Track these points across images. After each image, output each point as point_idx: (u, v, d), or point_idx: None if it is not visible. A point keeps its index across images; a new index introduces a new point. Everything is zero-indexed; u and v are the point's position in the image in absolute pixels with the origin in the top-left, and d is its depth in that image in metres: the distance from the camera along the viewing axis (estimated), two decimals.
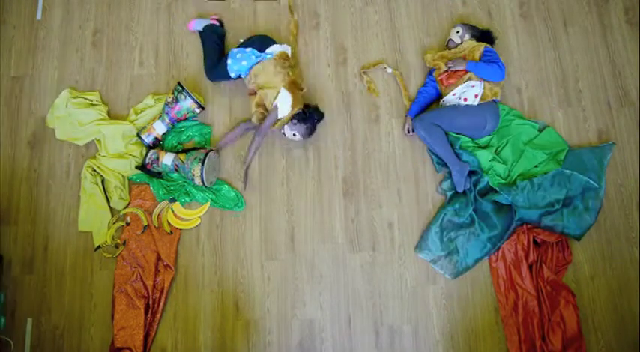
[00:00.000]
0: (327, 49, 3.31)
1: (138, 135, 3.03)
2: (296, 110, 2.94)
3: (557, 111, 3.16)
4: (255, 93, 3.02)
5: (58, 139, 3.14)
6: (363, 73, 3.22)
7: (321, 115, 3.02)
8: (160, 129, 3.02)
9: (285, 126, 2.97)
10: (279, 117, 2.93)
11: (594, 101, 3.17)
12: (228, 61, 3.02)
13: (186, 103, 2.99)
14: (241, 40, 3.17)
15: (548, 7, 3.35)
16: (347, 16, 3.36)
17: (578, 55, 3.25)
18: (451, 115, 2.95)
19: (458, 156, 2.98)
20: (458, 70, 2.97)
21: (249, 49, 3.02)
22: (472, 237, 2.91)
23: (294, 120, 2.95)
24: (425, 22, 3.34)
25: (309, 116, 2.96)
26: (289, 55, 3.08)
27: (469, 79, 2.95)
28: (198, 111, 3.05)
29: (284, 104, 2.91)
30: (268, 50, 3.04)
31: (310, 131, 3.00)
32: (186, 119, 3.09)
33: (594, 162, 2.96)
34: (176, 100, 2.99)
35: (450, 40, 3.12)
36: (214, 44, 3.17)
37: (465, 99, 2.96)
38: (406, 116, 3.11)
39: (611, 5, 3.33)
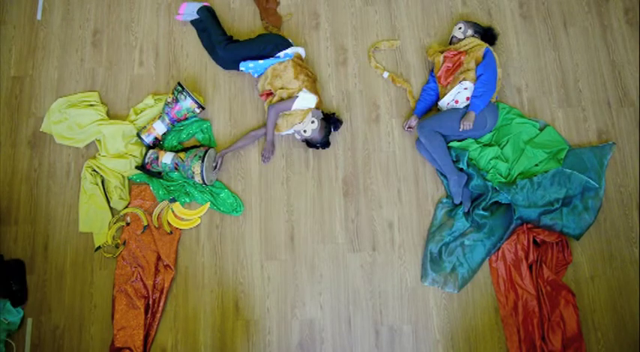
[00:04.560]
0: (327, 49, 3.31)
1: (138, 135, 3.03)
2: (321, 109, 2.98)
3: (557, 111, 3.16)
4: (270, 94, 3.03)
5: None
6: (374, 50, 3.22)
7: (338, 122, 3.03)
8: (159, 129, 3.02)
9: (309, 113, 2.95)
10: (293, 109, 2.92)
11: (594, 101, 3.17)
12: (242, 68, 3.05)
13: (186, 103, 2.99)
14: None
15: (548, 7, 3.35)
16: (347, 16, 3.36)
17: (578, 55, 3.25)
18: (452, 119, 2.93)
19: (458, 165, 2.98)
20: (455, 68, 2.96)
21: (261, 61, 3.01)
22: (470, 248, 2.90)
23: (318, 110, 2.97)
24: (425, 22, 3.34)
25: (332, 121, 3.00)
26: (303, 56, 3.10)
27: (464, 79, 2.94)
28: (198, 111, 3.05)
29: (306, 100, 2.91)
30: (288, 51, 3.04)
31: (327, 132, 2.98)
32: (186, 119, 3.09)
33: (594, 161, 2.96)
34: (176, 100, 2.99)
35: (453, 36, 3.11)
36: (216, 25, 3.17)
37: (457, 102, 2.96)
38: (413, 114, 3.11)
39: (611, 5, 3.33)
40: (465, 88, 2.93)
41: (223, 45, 3.08)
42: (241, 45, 3.07)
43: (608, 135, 3.11)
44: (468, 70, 2.94)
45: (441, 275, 2.88)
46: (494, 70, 2.91)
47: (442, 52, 3.08)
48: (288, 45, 3.08)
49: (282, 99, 2.97)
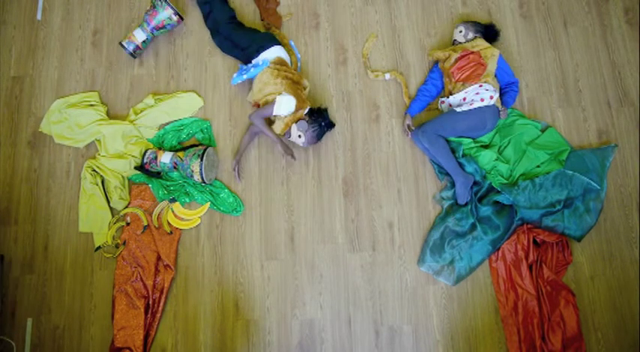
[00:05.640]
0: (327, 49, 3.31)
1: (120, 43, 3.13)
2: (302, 112, 2.92)
3: (557, 111, 3.16)
4: (258, 105, 3.03)
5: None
6: (366, 59, 3.23)
7: (328, 122, 2.96)
8: (139, 36, 3.14)
9: (293, 125, 2.92)
10: (274, 114, 2.90)
11: (594, 101, 3.17)
12: (233, 83, 3.07)
13: (165, 13, 3.11)
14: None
15: (548, 7, 3.35)
16: (347, 16, 3.36)
17: (578, 55, 3.25)
18: (453, 121, 2.92)
19: (461, 165, 2.96)
20: (470, 62, 2.95)
21: (245, 76, 3.01)
22: (475, 242, 2.90)
23: (303, 121, 2.91)
24: (425, 22, 3.34)
25: (315, 120, 2.92)
26: (284, 58, 3.05)
27: (486, 82, 2.92)
28: (175, 18, 3.14)
29: (284, 103, 2.87)
30: (263, 56, 3.01)
31: (317, 135, 2.94)
32: (164, 27, 3.16)
33: (596, 163, 2.96)
34: (154, 7, 3.12)
35: (455, 40, 3.11)
36: (225, 2, 3.24)
37: (482, 100, 2.92)
38: (405, 114, 3.11)
39: (611, 5, 3.33)
40: (486, 90, 2.92)
41: (226, 21, 3.17)
42: (241, 29, 3.13)
43: (608, 135, 3.11)
44: (488, 74, 2.94)
45: (438, 264, 2.89)
46: (511, 71, 3.06)
47: (454, 51, 3.05)
48: (273, 45, 3.04)
49: (266, 103, 2.96)
